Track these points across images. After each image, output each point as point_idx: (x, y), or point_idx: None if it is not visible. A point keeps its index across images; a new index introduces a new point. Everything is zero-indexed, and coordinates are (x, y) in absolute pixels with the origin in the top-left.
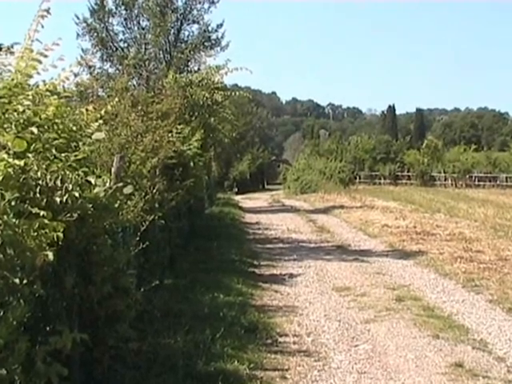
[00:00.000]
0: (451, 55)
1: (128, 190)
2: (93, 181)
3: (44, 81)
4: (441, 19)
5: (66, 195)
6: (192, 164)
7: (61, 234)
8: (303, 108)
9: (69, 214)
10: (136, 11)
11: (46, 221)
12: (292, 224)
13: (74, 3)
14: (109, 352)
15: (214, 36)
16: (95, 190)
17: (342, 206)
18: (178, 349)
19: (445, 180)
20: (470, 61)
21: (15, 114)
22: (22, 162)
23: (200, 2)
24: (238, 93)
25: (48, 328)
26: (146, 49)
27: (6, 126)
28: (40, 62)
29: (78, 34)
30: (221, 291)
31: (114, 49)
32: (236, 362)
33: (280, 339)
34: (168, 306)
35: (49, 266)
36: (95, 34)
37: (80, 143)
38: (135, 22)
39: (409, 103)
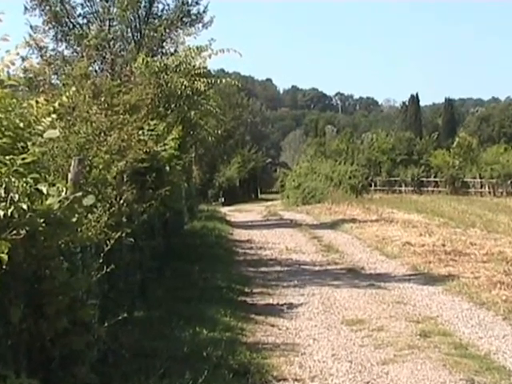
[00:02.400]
0: (487, 33)
1: (89, 200)
2: (45, 190)
3: None
4: None
5: (12, 208)
6: (168, 168)
7: (5, 256)
8: (305, 98)
9: (15, 231)
10: None
11: None
12: (292, 242)
13: None
14: None
15: (194, 10)
16: (48, 202)
17: (353, 220)
18: None
19: (481, 187)
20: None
21: None
22: None
23: None
24: (224, 80)
25: None
26: (110, 26)
27: None
28: None
29: (25, 8)
30: (204, 325)
31: (71, 26)
32: None
33: None
34: (138, 344)
35: None
36: (47, 8)
37: (29, 143)
38: None
39: (436, 92)
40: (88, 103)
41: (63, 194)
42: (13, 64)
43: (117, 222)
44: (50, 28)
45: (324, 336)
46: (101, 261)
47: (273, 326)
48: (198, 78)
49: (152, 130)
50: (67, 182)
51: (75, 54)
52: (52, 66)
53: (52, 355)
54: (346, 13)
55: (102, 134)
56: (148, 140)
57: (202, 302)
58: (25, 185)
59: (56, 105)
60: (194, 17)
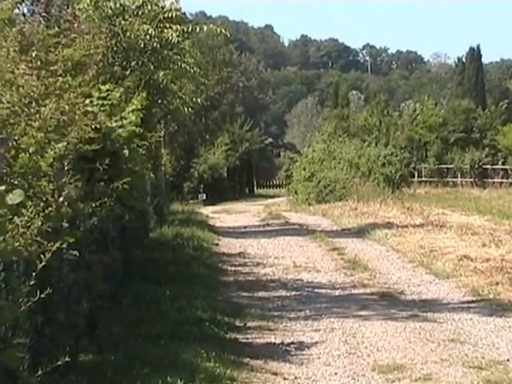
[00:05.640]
0: None
1: (15, 197)
2: None
3: None
4: None
5: None
6: (127, 152)
7: None
8: (320, 53)
9: None
10: None
11: None
12: (302, 256)
13: None
14: None
15: None
16: None
17: (388, 225)
18: None
19: None
20: None
21: None
22: None
23: None
24: (206, 27)
25: None
26: None
27: None
28: None
29: None
30: (178, 374)
31: None
32: None
33: None
34: None
35: None
36: None
37: None
38: None
39: (504, 45)
40: (13, 60)
41: None
42: None
43: (55, 227)
44: None
45: None
46: (32, 283)
47: (275, 374)
48: (168, 25)
49: (104, 98)
50: None
51: None
52: None
53: None
54: None
55: (34, 104)
56: (98, 112)
57: (176, 341)
58: None
59: None
60: None
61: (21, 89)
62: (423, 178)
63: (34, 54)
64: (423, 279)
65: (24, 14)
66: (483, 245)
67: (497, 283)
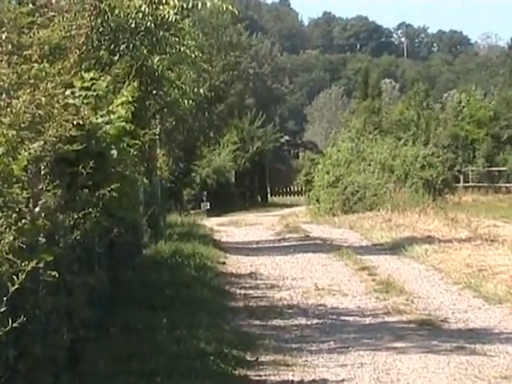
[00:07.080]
0: None
1: None
2: None
3: None
4: None
5: None
6: (115, 153)
7: None
8: (347, 34)
9: None
10: None
11: None
12: (325, 277)
13: None
14: None
15: None
16: None
17: (429, 239)
18: None
19: None
20: None
21: None
22: None
23: None
24: (209, 3)
25: None
26: None
27: None
28: None
29: None
30: None
31: None
32: None
33: None
34: None
35: None
36: None
37: None
38: None
39: None
40: None
41: None
42: None
43: (30, 243)
44: None
45: None
46: (3, 309)
47: None
48: (164, 0)
49: (88, 89)
50: None
51: None
52: None
53: None
54: None
55: (4, 96)
56: (81, 105)
57: (174, 379)
58: None
59: None
60: None
61: None
62: (470, 183)
63: (4, 36)
64: (471, 304)
65: None
66: None
67: None
